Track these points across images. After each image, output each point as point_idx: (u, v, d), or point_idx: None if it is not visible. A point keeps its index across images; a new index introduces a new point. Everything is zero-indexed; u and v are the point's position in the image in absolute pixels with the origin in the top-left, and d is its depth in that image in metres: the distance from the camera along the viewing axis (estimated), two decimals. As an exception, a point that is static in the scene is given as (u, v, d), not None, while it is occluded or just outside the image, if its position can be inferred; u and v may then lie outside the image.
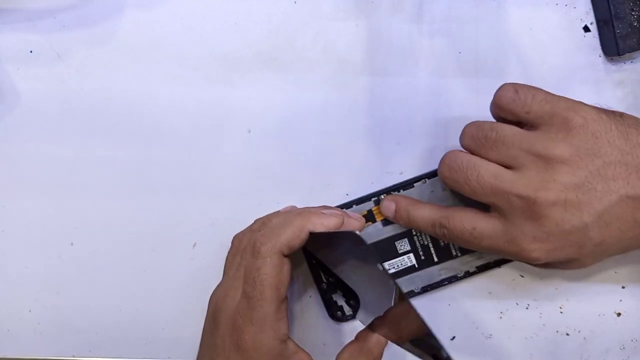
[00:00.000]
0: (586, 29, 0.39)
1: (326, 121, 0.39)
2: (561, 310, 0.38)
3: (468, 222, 0.33)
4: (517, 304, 0.38)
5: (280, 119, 0.39)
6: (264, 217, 0.37)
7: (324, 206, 0.37)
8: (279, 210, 0.38)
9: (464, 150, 0.34)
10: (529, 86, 0.33)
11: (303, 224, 0.32)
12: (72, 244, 0.39)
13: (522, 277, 0.38)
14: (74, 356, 0.39)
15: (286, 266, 0.32)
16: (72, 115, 0.39)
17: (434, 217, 0.35)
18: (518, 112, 0.32)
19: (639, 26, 0.37)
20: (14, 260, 0.39)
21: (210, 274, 0.38)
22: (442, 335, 0.38)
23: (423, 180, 0.37)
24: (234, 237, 0.37)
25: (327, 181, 0.38)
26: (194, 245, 0.39)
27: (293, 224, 0.32)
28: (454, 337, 0.38)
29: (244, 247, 0.35)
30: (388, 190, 0.37)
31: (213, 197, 0.39)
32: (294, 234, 0.32)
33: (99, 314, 0.38)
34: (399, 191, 0.37)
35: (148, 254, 0.39)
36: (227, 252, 0.38)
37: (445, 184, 0.35)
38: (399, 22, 0.39)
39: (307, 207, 0.37)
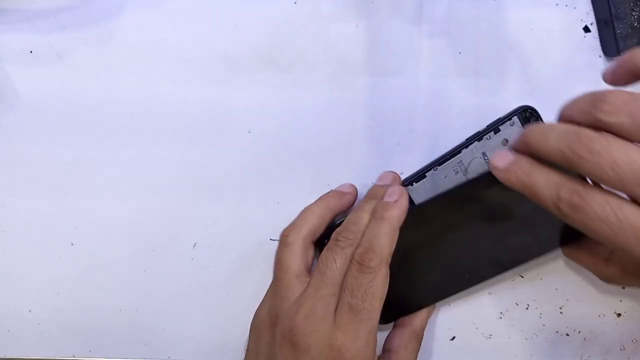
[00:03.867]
0: (586, 29, 0.39)
1: (326, 121, 0.39)
2: (561, 310, 0.38)
3: (613, 198, 0.26)
4: (517, 304, 0.38)
5: (281, 119, 0.39)
6: (296, 225, 0.36)
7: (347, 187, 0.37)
8: (311, 206, 0.37)
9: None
10: None
11: (392, 215, 0.33)
12: (72, 244, 0.39)
13: (522, 277, 0.38)
14: (74, 356, 0.39)
15: (389, 277, 0.33)
16: (72, 115, 0.39)
17: (564, 184, 0.27)
18: None
19: (639, 26, 0.37)
20: (14, 260, 0.39)
21: (211, 273, 0.38)
22: (442, 335, 0.38)
23: (434, 168, 0.36)
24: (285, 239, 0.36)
25: (327, 181, 0.39)
26: (194, 246, 0.39)
27: (384, 226, 0.33)
28: (454, 337, 0.38)
29: (330, 264, 0.33)
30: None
31: (213, 197, 0.39)
32: (392, 242, 0.33)
33: (99, 314, 0.38)
34: (411, 185, 0.36)
35: (148, 254, 0.39)
36: (227, 252, 0.38)
37: (567, 164, 0.27)
38: (399, 23, 0.39)
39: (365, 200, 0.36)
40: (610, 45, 0.38)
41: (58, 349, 0.39)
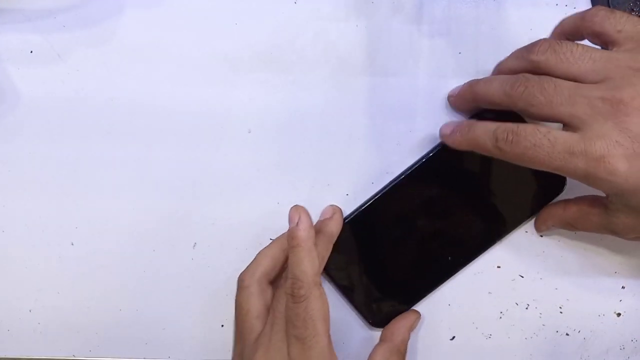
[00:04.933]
0: (586, 29, 0.39)
1: (326, 121, 0.39)
2: (561, 310, 0.38)
3: (542, 127, 0.31)
4: (517, 304, 0.38)
5: (281, 119, 0.39)
6: (250, 269, 0.36)
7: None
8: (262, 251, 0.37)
9: None
10: (619, 10, 0.33)
11: (299, 239, 0.33)
12: (72, 244, 0.39)
13: (522, 277, 0.38)
14: (74, 356, 0.39)
15: (324, 294, 0.33)
16: (72, 115, 0.39)
17: (499, 127, 0.32)
18: (609, 31, 0.32)
19: (638, 26, 0.37)
20: (14, 260, 0.39)
21: (210, 274, 0.38)
22: (442, 335, 0.38)
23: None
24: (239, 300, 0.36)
25: (327, 181, 0.39)
26: (194, 246, 0.39)
27: (298, 252, 0.33)
28: (453, 337, 0.38)
29: (268, 303, 0.35)
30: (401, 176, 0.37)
31: (213, 197, 0.39)
32: (312, 262, 0.33)
33: (99, 314, 0.38)
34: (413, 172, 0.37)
35: (148, 254, 0.39)
36: (226, 252, 0.38)
37: (508, 101, 0.33)
38: (399, 23, 0.39)
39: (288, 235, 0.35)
40: (610, 45, 0.38)
41: (58, 349, 0.39)
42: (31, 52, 0.39)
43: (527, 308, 0.38)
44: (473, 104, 0.36)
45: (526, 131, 0.31)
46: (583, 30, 0.33)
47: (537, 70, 0.32)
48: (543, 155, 0.31)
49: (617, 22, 0.32)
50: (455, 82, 0.38)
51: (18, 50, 0.39)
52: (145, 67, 0.39)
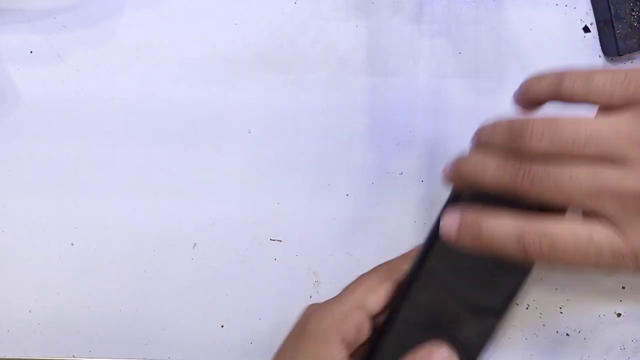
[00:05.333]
0: (586, 29, 0.39)
1: (326, 121, 0.39)
2: (561, 310, 0.38)
3: (580, 227, 0.26)
4: (517, 304, 0.38)
5: (280, 119, 0.39)
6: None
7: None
8: None
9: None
10: (599, 70, 0.27)
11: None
12: (72, 244, 0.39)
13: (522, 277, 0.38)
14: (74, 356, 0.39)
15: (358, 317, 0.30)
16: (72, 115, 0.39)
17: (524, 230, 0.26)
18: (600, 102, 0.26)
19: (639, 27, 0.37)
20: (14, 260, 0.39)
21: (210, 274, 0.38)
22: (442, 335, 0.38)
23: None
24: None
25: (327, 181, 0.39)
26: (194, 246, 0.39)
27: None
28: (454, 337, 0.38)
29: None
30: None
31: (213, 197, 0.39)
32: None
33: (99, 314, 0.38)
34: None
35: (148, 254, 0.39)
36: (226, 252, 0.38)
37: (513, 193, 0.27)
38: (399, 23, 0.39)
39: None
40: (610, 46, 0.38)
41: (58, 349, 0.39)
42: (31, 52, 0.39)
43: (527, 308, 0.38)
44: (469, 186, 0.30)
45: (564, 238, 0.26)
46: (565, 101, 0.28)
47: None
48: (590, 266, 0.26)
49: (605, 90, 0.26)
50: (455, 82, 0.38)
51: (18, 50, 0.39)
52: (145, 68, 0.39)
